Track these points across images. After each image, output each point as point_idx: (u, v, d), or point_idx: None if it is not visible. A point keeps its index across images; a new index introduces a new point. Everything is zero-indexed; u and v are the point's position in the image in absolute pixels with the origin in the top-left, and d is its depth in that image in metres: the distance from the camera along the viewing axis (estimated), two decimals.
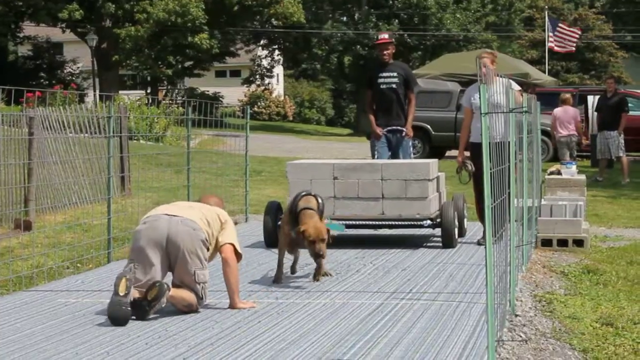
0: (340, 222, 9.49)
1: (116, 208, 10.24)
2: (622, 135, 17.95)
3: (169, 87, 52.40)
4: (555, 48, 38.87)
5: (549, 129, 18.99)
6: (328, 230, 7.41)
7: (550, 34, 38.65)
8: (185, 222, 6.46)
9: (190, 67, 46.23)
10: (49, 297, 7.16)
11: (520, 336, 6.01)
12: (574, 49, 39.89)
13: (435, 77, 26.22)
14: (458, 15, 48.37)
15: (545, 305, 6.98)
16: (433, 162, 9.92)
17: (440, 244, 9.54)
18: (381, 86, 10.91)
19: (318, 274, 7.65)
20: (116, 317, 6.12)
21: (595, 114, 19.54)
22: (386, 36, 11.18)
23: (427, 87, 23.89)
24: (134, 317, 6.22)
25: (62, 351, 5.49)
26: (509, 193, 6.14)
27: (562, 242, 9.83)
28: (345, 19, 52.48)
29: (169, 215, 6.51)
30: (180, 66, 44.82)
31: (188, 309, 6.44)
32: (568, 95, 19.16)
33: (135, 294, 6.25)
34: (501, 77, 6.39)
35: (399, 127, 10.90)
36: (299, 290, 7.35)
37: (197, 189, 11.48)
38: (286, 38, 50.35)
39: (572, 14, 56.91)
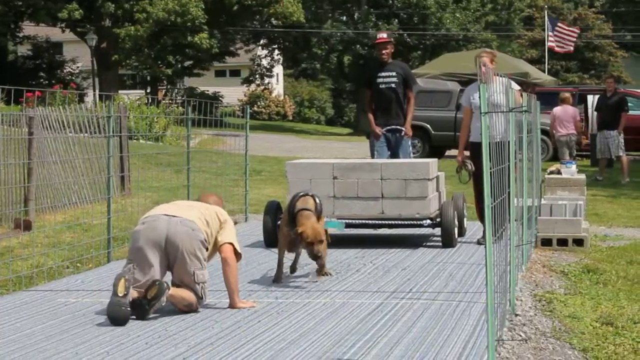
0: (340, 221, 9.51)
1: (116, 208, 10.24)
2: (621, 135, 17.95)
3: (168, 86, 52.39)
4: (556, 48, 38.88)
5: (548, 128, 18.99)
6: (326, 231, 7.41)
7: (550, 33, 38.66)
8: (184, 222, 6.46)
9: (189, 67, 46.21)
10: (48, 296, 7.16)
11: (520, 335, 6.01)
12: (572, 49, 39.90)
13: (434, 76, 26.23)
14: (458, 15, 48.37)
15: (545, 305, 6.98)
16: (433, 161, 9.92)
17: (440, 244, 9.54)
18: (380, 86, 10.91)
19: (321, 270, 7.66)
20: (116, 318, 6.12)
21: (595, 113, 19.54)
22: (385, 35, 11.18)
23: (427, 86, 23.89)
24: (133, 317, 6.22)
25: (62, 351, 5.49)
26: (509, 192, 6.14)
27: (562, 242, 9.83)
28: (344, 18, 52.48)
29: (168, 215, 6.51)
30: (179, 66, 44.80)
31: (188, 309, 6.44)
32: (567, 95, 19.16)
33: (134, 294, 6.25)
34: (501, 76, 6.38)
35: (398, 127, 10.90)
36: (299, 289, 7.35)
37: (197, 188, 11.47)
38: (286, 38, 50.35)
39: (572, 13, 56.91)
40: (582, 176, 11.70)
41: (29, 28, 47.23)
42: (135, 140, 21.49)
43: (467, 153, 9.71)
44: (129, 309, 6.15)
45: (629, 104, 19.65)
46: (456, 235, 9.63)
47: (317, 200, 7.61)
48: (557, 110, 18.41)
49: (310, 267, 7.98)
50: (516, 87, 8.69)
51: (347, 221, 9.51)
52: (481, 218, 8.94)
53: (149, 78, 48.26)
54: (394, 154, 10.85)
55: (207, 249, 6.53)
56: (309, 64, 55.30)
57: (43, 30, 47.81)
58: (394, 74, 10.91)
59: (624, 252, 9.72)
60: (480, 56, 9.51)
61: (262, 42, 53.08)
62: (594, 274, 8.36)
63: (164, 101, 41.14)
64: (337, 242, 9.12)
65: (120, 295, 6.14)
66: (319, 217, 7.51)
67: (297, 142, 33.23)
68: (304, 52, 51.73)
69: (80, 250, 9.01)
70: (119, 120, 13.01)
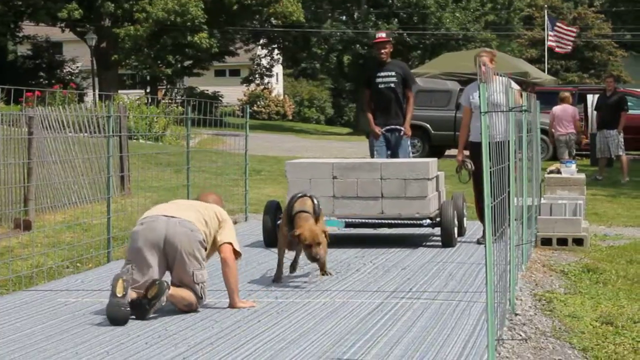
0: (340, 220, 9.51)
1: (116, 207, 10.24)
2: (621, 134, 17.95)
3: (168, 86, 52.38)
4: (556, 49, 38.91)
5: (548, 128, 18.99)
6: (325, 232, 7.40)
7: (550, 32, 38.68)
8: (183, 223, 6.45)
9: (189, 67, 46.20)
10: (48, 296, 7.16)
11: (520, 335, 6.02)
12: (569, 50, 39.92)
13: (434, 76, 26.22)
14: (457, 14, 48.36)
15: (545, 304, 6.98)
16: (432, 161, 9.91)
17: (440, 243, 9.53)
18: (379, 85, 10.91)
19: (321, 270, 7.66)
20: (115, 318, 6.12)
21: (595, 112, 19.54)
22: (384, 35, 11.18)
23: (427, 86, 23.89)
24: (133, 317, 6.22)
25: (62, 351, 5.49)
26: (509, 192, 6.14)
27: (562, 241, 9.83)
28: (344, 18, 52.45)
29: (166, 216, 6.50)
30: (179, 65, 44.79)
31: (188, 308, 6.44)
32: (567, 94, 19.16)
33: (132, 295, 6.24)
34: (500, 76, 6.38)
35: (397, 127, 10.90)
36: (299, 289, 7.35)
37: (196, 188, 11.47)
38: (285, 37, 50.34)
39: (572, 12, 56.93)
40: (582, 176, 11.71)
41: (28, 28, 47.24)
42: (135, 140, 21.48)
43: (466, 152, 9.71)
44: (128, 309, 6.15)
45: (629, 104, 19.65)
46: (456, 235, 9.63)
47: (315, 201, 7.59)
48: (557, 109, 18.41)
49: (310, 267, 7.98)
50: (516, 87, 8.68)
51: (346, 221, 9.51)
52: (481, 217, 8.94)
53: (148, 78, 48.26)
54: (394, 154, 10.85)
55: (205, 249, 6.53)
56: (308, 63, 55.29)
57: (43, 30, 47.82)
58: (393, 73, 10.90)
59: (624, 252, 9.72)
60: (479, 55, 9.51)
61: (261, 41, 53.07)
62: (593, 274, 8.37)
63: (163, 101, 41.11)
64: (337, 241, 9.12)
65: (119, 295, 6.13)
66: (317, 218, 7.49)
67: (296, 142, 33.23)
68: (304, 51, 51.72)
69: (80, 250, 9.01)
70: (119, 120, 13.01)
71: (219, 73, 61.29)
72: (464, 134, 9.76)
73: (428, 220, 9.47)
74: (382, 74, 10.91)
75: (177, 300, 6.42)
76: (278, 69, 61.75)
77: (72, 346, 5.59)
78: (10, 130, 11.16)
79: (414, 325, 6.03)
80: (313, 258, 7.32)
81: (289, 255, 7.80)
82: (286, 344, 5.58)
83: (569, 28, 40.19)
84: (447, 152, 23.45)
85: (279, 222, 8.60)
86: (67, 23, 41.84)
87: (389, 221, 9.57)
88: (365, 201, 9.48)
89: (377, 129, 10.87)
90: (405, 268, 8.28)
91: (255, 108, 55.41)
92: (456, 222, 9.65)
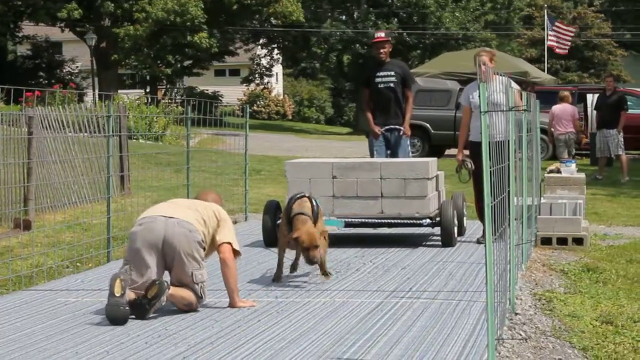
0: (340, 220, 9.51)
1: (116, 207, 10.24)
2: (621, 134, 17.95)
3: (168, 86, 52.38)
4: (556, 50, 38.92)
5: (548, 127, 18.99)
6: (324, 233, 7.40)
7: (550, 32, 38.68)
8: (182, 223, 6.44)
9: (189, 66, 46.21)
10: (48, 296, 7.15)
11: (520, 334, 6.02)
12: (567, 51, 39.94)
13: (434, 75, 26.23)
14: (457, 14, 48.37)
15: (545, 304, 6.99)
16: (432, 160, 9.91)
17: (440, 243, 9.53)
18: (379, 85, 10.90)
19: (321, 270, 7.65)
20: (115, 318, 6.11)
21: (595, 112, 19.54)
22: (382, 34, 11.18)
23: (426, 85, 23.89)
24: (133, 316, 6.21)
25: (62, 350, 5.49)
26: (509, 191, 6.14)
27: (562, 241, 9.83)
28: (344, 17, 52.46)
29: (165, 217, 6.48)
30: (179, 65, 44.81)
31: (188, 308, 6.44)
32: (567, 93, 19.15)
33: (131, 295, 6.24)
34: (500, 75, 6.38)
35: (397, 126, 10.90)
36: (299, 289, 7.35)
37: (196, 188, 11.46)
38: (285, 37, 50.34)
39: (571, 12, 56.93)
40: (582, 175, 11.71)
41: (28, 28, 47.25)
42: (134, 140, 21.48)
43: (466, 152, 9.71)
44: (127, 308, 6.15)
45: (629, 103, 19.65)
46: (456, 235, 9.63)
47: (314, 202, 7.57)
48: (556, 108, 18.41)
49: (310, 267, 7.97)
50: (516, 86, 8.68)
51: (346, 220, 9.51)
52: (481, 217, 8.94)
53: (148, 77, 48.27)
54: (393, 154, 10.85)
55: (204, 249, 6.52)
56: (308, 63, 55.30)
57: (42, 29, 47.83)
58: (392, 73, 10.90)
59: (624, 251, 9.72)
60: (479, 55, 9.51)
61: (261, 41, 53.07)
62: (593, 273, 8.37)
63: (163, 101, 41.13)
64: (337, 241, 9.12)
65: (117, 295, 6.13)
66: (316, 219, 7.48)
67: (296, 142, 33.24)
68: (304, 51, 51.73)
69: (80, 250, 9.01)
70: (119, 120, 13.01)
71: (219, 73, 61.30)
72: (464, 134, 9.76)
73: (428, 220, 9.47)
74: (382, 73, 10.91)
75: (177, 300, 6.42)
76: (278, 69, 61.76)
77: (72, 346, 5.59)
78: (10, 130, 11.16)
79: (414, 324, 6.03)
80: (310, 261, 7.32)
81: (289, 254, 7.80)
82: (286, 344, 5.58)
83: (567, 28, 40.19)
84: (447, 152, 23.44)
85: (278, 221, 8.60)
86: (66, 23, 41.85)
87: (389, 221, 9.57)
88: (365, 201, 9.48)
89: (377, 129, 10.87)
90: (405, 267, 8.28)
91: (255, 108, 55.40)
92: (456, 221, 9.65)
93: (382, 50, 10.94)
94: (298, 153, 24.07)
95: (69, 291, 7.36)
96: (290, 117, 58.41)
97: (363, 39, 46.86)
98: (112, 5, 39.74)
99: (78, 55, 51.68)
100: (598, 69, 54.93)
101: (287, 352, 5.38)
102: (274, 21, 47.03)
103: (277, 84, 63.19)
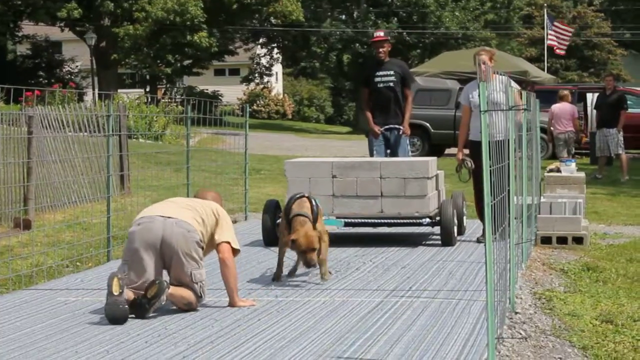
0: (339, 219, 9.51)
1: (115, 207, 10.24)
2: (621, 133, 17.96)
3: (168, 85, 52.38)
4: (556, 50, 38.92)
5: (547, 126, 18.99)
6: (323, 233, 7.39)
7: (550, 31, 38.69)
8: (180, 223, 6.43)
9: (189, 66, 46.20)
10: (48, 295, 7.16)
11: (520, 333, 6.02)
12: (564, 51, 39.94)
13: (434, 75, 26.23)
14: (457, 13, 48.38)
15: (545, 303, 6.99)
16: (432, 160, 9.91)
17: (440, 242, 9.53)
18: (378, 85, 10.90)
19: (321, 271, 7.64)
20: (114, 317, 6.11)
21: (595, 111, 19.54)
22: (382, 34, 11.19)
23: (426, 85, 23.90)
24: (133, 316, 6.21)
25: (62, 350, 5.49)
26: (509, 191, 6.14)
27: (562, 240, 9.83)
28: (344, 17, 52.47)
29: (163, 217, 6.48)
30: (179, 65, 44.79)
31: (188, 307, 6.44)
32: (566, 92, 19.15)
33: (129, 294, 6.24)
34: (500, 74, 6.38)
35: (396, 126, 10.90)
36: (299, 288, 7.35)
37: (196, 187, 11.44)
38: (285, 36, 50.36)
39: (571, 11, 56.92)
40: (582, 174, 11.71)
41: (28, 27, 47.24)
42: (134, 139, 21.48)
43: (466, 151, 9.71)
44: (126, 306, 6.15)
45: (628, 102, 19.65)
46: (455, 234, 9.63)
47: (314, 202, 7.55)
48: (555, 107, 18.41)
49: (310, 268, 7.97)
50: (516, 86, 8.68)
51: (346, 220, 9.51)
52: (481, 216, 8.94)
53: (148, 77, 48.27)
54: (393, 153, 10.85)
55: (203, 249, 6.52)
56: (308, 62, 55.27)
57: (42, 29, 47.82)
58: (392, 72, 10.90)
59: (624, 250, 9.72)
60: (479, 54, 9.51)
61: (261, 40, 53.09)
62: (593, 272, 8.37)
63: (163, 100, 41.13)
64: (337, 240, 9.12)
65: (115, 294, 6.13)
66: (316, 220, 7.47)
67: (296, 141, 33.24)
68: (303, 50, 51.73)
69: (80, 249, 9.01)
70: (119, 119, 13.01)
71: (219, 72, 61.28)
72: (464, 133, 9.75)
73: (428, 219, 9.47)
74: (381, 73, 10.91)
75: (177, 300, 6.42)
76: (277, 68, 61.77)
77: (72, 345, 5.59)
78: (10, 130, 11.16)
79: (414, 323, 6.03)
80: (308, 264, 7.32)
81: (290, 254, 7.80)
82: (286, 343, 5.58)
83: (566, 28, 40.19)
84: (447, 151, 23.45)
85: (278, 221, 8.59)
86: (66, 22, 41.86)
87: (389, 220, 9.57)
88: (365, 200, 9.47)
89: (377, 128, 10.88)
90: (405, 267, 8.28)
91: (254, 107, 55.39)
92: (456, 220, 9.64)
93: (381, 50, 10.94)
94: (298, 152, 24.08)
95: (68, 290, 7.36)
96: (290, 117, 58.41)
97: (363, 38, 46.86)
98: (112, 4, 39.75)
99: (78, 55, 51.68)
100: (598, 68, 54.93)
101: (287, 351, 5.38)
102: (273, 20, 47.05)
103: (276, 83, 63.20)
